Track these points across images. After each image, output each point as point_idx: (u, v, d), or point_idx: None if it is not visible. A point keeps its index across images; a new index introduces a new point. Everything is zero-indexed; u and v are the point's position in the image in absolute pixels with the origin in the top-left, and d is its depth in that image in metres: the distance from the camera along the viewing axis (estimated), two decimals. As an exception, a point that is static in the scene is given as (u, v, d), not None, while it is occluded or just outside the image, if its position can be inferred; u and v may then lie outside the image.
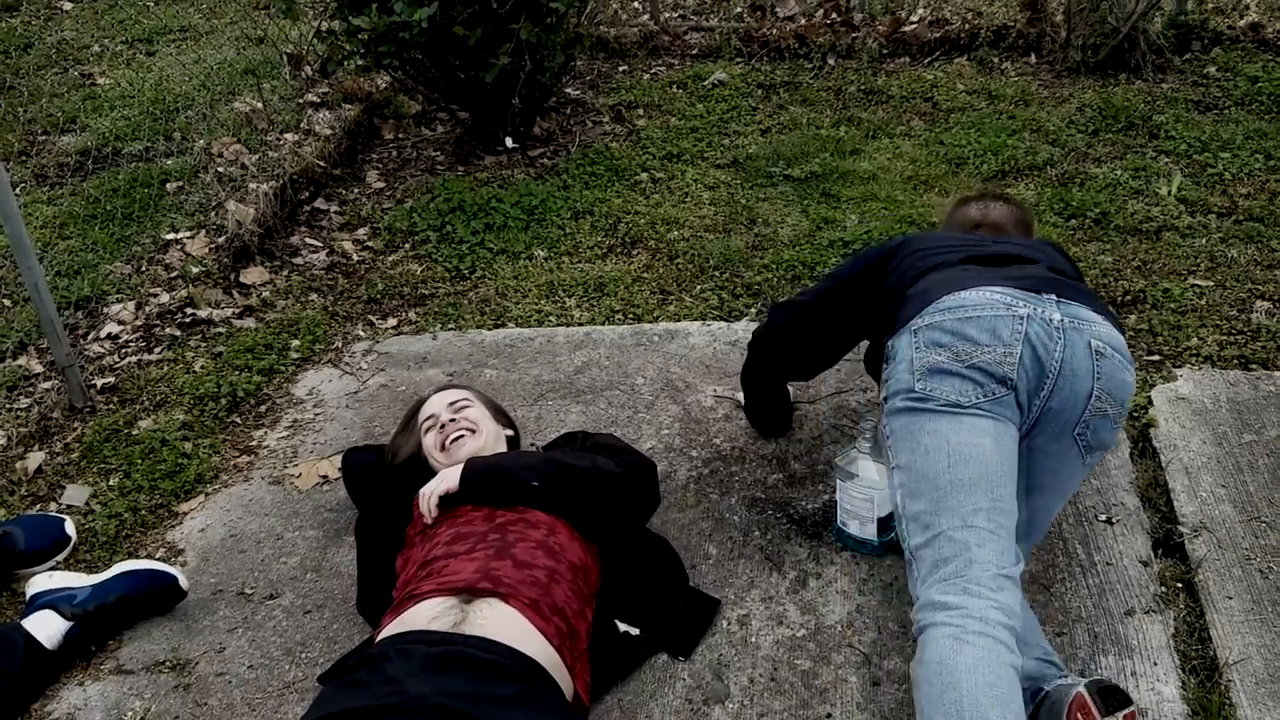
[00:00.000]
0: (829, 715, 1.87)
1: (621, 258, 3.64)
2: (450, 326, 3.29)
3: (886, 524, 2.16)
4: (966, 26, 5.27)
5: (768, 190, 4.03)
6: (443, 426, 2.20)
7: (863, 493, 2.14)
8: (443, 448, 2.17)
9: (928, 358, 1.82)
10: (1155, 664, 1.91)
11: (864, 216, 3.72)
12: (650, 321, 3.21)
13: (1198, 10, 5.14)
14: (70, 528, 2.44)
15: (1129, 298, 3.08)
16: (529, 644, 1.68)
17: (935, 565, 1.68)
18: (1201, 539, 2.17)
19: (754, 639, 2.04)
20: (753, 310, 3.23)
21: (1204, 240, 3.38)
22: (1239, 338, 2.85)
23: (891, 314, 1.98)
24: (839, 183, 4.01)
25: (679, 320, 3.21)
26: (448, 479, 2.05)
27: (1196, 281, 3.15)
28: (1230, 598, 2.04)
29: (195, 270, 3.51)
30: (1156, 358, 2.79)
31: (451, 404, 2.26)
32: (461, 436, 2.17)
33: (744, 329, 3.09)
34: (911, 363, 1.83)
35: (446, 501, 2.06)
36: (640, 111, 4.84)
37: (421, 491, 2.07)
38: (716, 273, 3.46)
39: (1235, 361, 2.75)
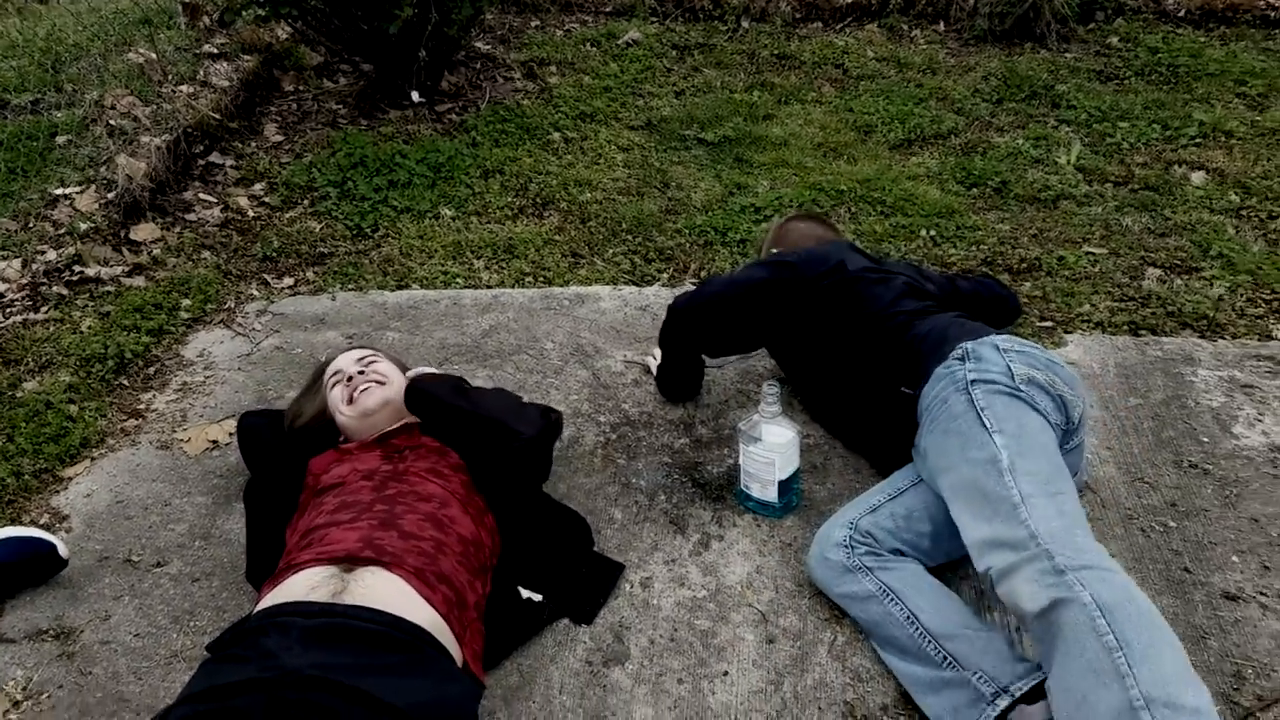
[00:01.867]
0: (726, 673, 1.89)
1: (532, 219, 3.59)
2: (350, 287, 3.21)
3: (787, 486, 2.19)
4: (878, -8, 5.30)
5: (681, 153, 4.01)
6: (350, 379, 2.15)
7: (765, 456, 2.15)
8: (350, 400, 2.13)
9: (1026, 372, 1.96)
10: (1041, 620, 1.96)
11: (775, 182, 3.73)
12: (561, 285, 3.18)
13: (1101, -18, 5.24)
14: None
15: (1024, 265, 3.15)
16: (414, 612, 1.64)
17: (1064, 515, 1.72)
18: (1086, 499, 2.24)
19: (655, 601, 2.05)
20: (664, 275, 3.22)
21: (1099, 209, 3.47)
22: (1130, 304, 2.94)
23: (921, 337, 2.16)
24: (751, 148, 4.01)
25: (590, 284, 3.18)
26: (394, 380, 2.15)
27: (1091, 249, 3.23)
28: (1114, 555, 2.10)
29: (84, 226, 3.36)
30: (1049, 324, 2.86)
31: (360, 359, 2.23)
32: (369, 388, 2.13)
33: (655, 294, 3.08)
34: (1008, 369, 1.96)
35: (338, 444, 2.06)
36: (552, 69, 4.77)
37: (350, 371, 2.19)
38: (629, 236, 3.44)
39: (1125, 327, 2.83)
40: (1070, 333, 2.82)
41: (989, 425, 1.87)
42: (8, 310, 3.06)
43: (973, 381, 1.95)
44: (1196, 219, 3.34)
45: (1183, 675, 1.50)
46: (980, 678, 1.72)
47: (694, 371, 2.57)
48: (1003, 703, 1.68)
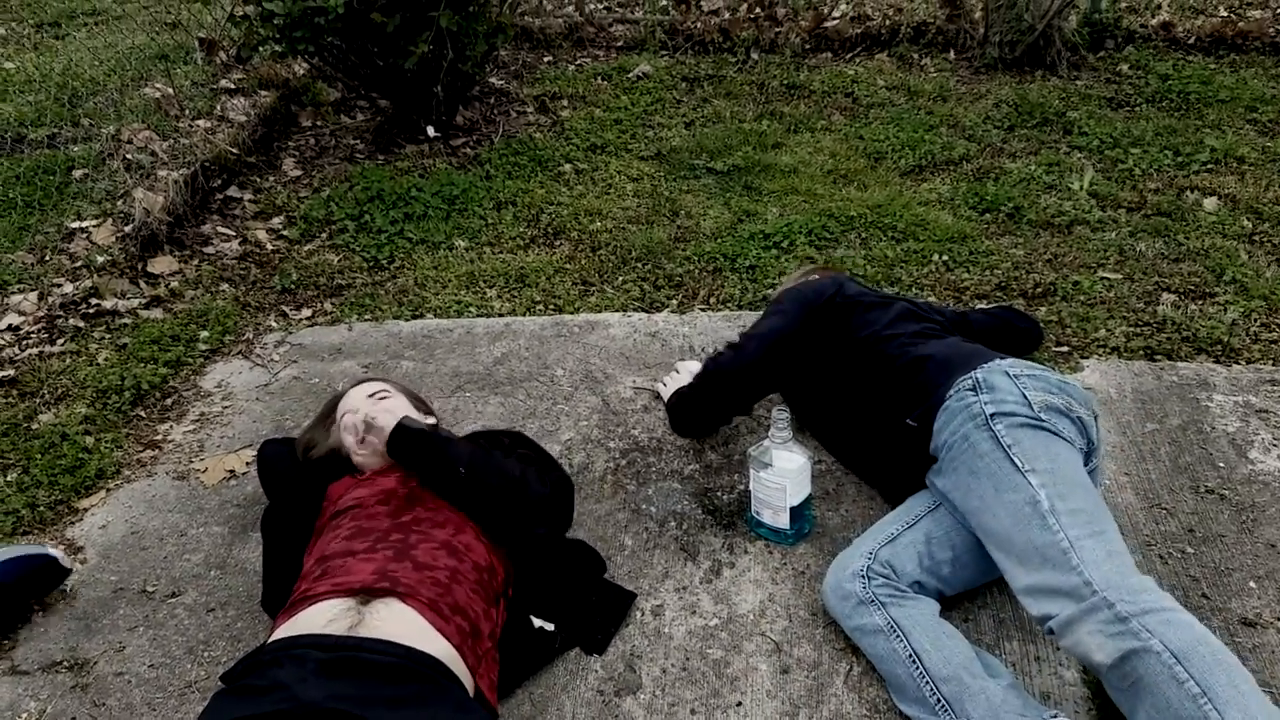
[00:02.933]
0: (739, 704, 1.87)
1: (544, 248, 3.61)
2: (366, 317, 3.23)
3: (799, 513, 2.18)
4: (887, 23, 5.34)
5: (690, 183, 4.03)
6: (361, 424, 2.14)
7: (776, 482, 2.15)
8: (361, 441, 2.11)
9: (1042, 398, 1.94)
10: (1057, 649, 1.94)
11: (784, 209, 3.74)
12: (571, 313, 3.19)
13: (1111, 9, 5.26)
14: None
15: (1039, 290, 3.14)
16: (428, 643, 1.64)
17: (1113, 555, 1.71)
18: (1104, 525, 2.22)
19: (667, 629, 2.03)
20: (674, 301, 3.23)
21: (1114, 234, 3.46)
22: (1145, 329, 2.92)
23: (922, 360, 2.14)
24: (761, 176, 4.02)
25: (600, 311, 3.19)
26: (383, 419, 2.02)
27: (1106, 274, 3.22)
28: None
29: (101, 260, 3.40)
30: (1065, 349, 2.85)
31: (371, 395, 2.22)
32: (377, 424, 2.11)
33: (664, 320, 3.09)
34: (1023, 396, 1.95)
35: (355, 471, 2.06)
36: (564, 102, 4.82)
37: (355, 419, 2.10)
38: (638, 264, 3.45)
39: (1141, 352, 2.82)
40: (1086, 358, 2.80)
41: (1020, 465, 1.84)
42: (24, 343, 3.10)
43: (992, 415, 1.92)
44: (1210, 244, 3.33)
45: (1266, 710, 1.49)
46: None
47: (721, 421, 2.56)
48: None
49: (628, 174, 4.11)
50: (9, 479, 2.56)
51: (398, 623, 1.65)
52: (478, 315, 3.21)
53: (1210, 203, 3.62)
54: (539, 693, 1.91)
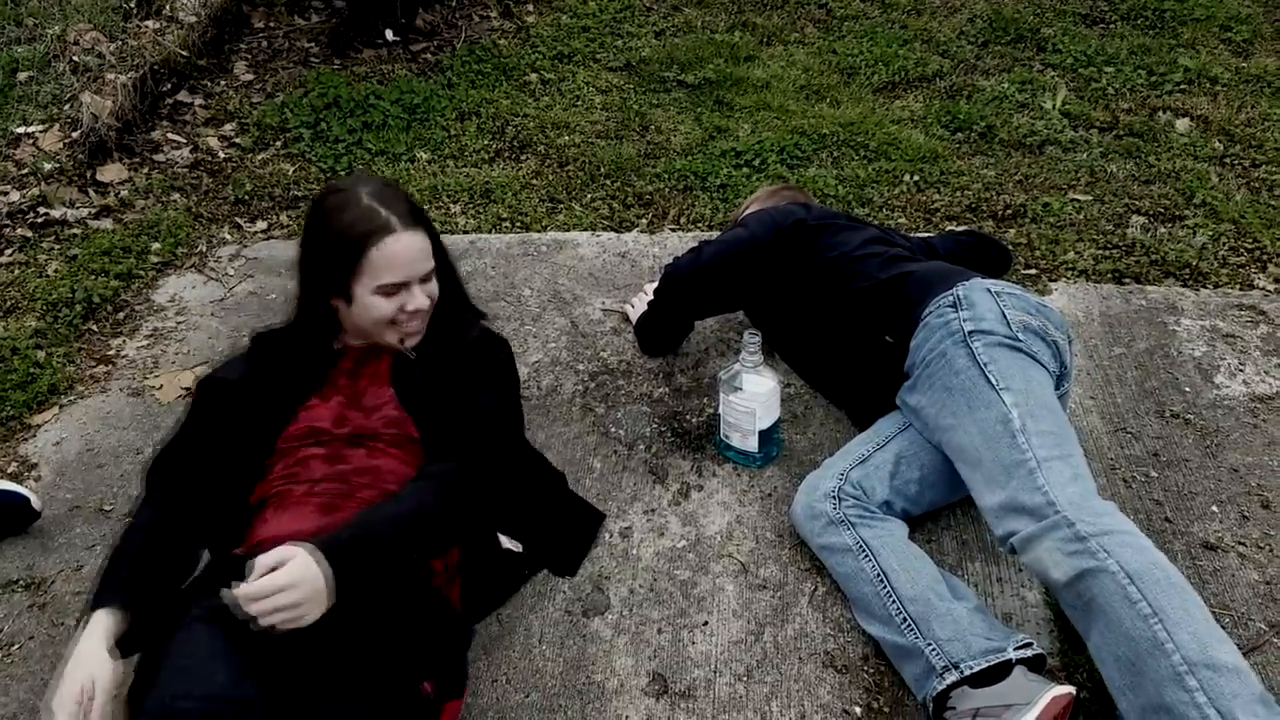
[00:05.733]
0: (705, 623, 1.88)
1: (509, 162, 3.52)
2: (326, 231, 3.14)
3: (768, 436, 2.17)
4: (864, -69, 5.18)
5: (660, 96, 3.93)
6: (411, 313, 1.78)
7: (745, 406, 2.13)
8: (401, 340, 1.81)
9: (1020, 317, 1.94)
10: (1019, 570, 1.97)
11: (756, 126, 3.67)
12: (539, 230, 3.13)
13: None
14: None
15: (1009, 212, 3.12)
16: None
17: (1078, 479, 1.72)
18: (1069, 449, 2.23)
19: (635, 551, 2.03)
20: (644, 221, 3.17)
21: (1085, 155, 3.43)
22: (1114, 252, 2.92)
23: (901, 278, 2.11)
24: (732, 90, 3.93)
25: (568, 230, 3.13)
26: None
27: (1076, 196, 3.20)
28: (1093, 505, 2.10)
29: (48, 167, 3.27)
30: (1033, 271, 2.84)
31: (423, 279, 1.78)
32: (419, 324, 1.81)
33: (634, 240, 3.03)
34: (1002, 315, 1.93)
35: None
36: (530, 7, 4.66)
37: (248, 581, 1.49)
38: (607, 181, 3.38)
39: (1109, 275, 2.82)
40: (1055, 280, 2.80)
41: (995, 382, 1.84)
42: (-30, 253, 2.99)
43: (970, 333, 1.91)
44: (1181, 166, 3.32)
45: (1216, 634, 1.51)
46: (934, 649, 1.71)
47: (682, 331, 2.54)
48: (950, 678, 1.66)
49: (596, 85, 4.00)
50: (-43, 395, 2.49)
51: None
52: (442, 231, 3.12)
53: (1182, 124, 3.59)
54: (506, 613, 1.91)
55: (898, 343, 2.04)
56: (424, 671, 1.56)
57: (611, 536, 2.07)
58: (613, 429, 2.34)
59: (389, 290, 1.73)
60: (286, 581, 1.42)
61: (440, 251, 1.85)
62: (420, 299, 1.77)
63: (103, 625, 1.52)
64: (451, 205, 3.26)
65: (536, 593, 1.95)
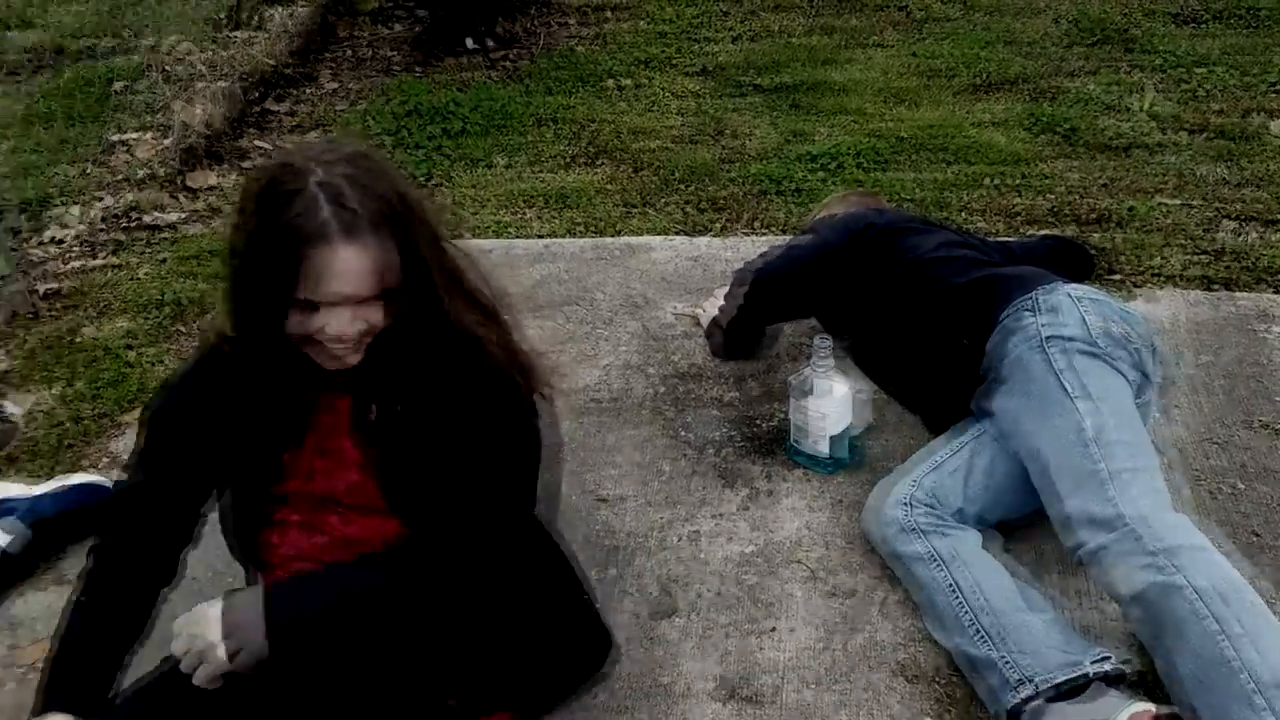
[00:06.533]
0: (774, 628, 1.87)
1: (585, 168, 3.55)
2: (405, 236, 3.21)
3: (838, 442, 2.15)
4: (945, -68, 5.12)
5: (737, 101, 3.93)
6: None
7: (817, 410, 2.12)
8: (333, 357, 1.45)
9: (1101, 323, 1.90)
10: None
11: (834, 130, 3.64)
12: (613, 235, 3.15)
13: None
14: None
15: (1094, 216, 3.05)
16: None
17: (1151, 491, 1.69)
18: (1153, 459, 2.17)
19: (703, 555, 2.03)
20: (717, 225, 3.17)
21: (1174, 158, 3.34)
22: (1203, 257, 2.83)
23: (979, 281, 2.07)
24: (810, 94, 3.91)
25: (642, 234, 3.14)
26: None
27: (1164, 200, 3.11)
28: (1178, 518, 2.04)
29: (141, 173, 3.40)
30: (1118, 277, 2.77)
31: (358, 302, 1.37)
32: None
33: (707, 245, 3.03)
34: (1083, 320, 1.90)
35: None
36: (608, 14, 4.70)
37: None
38: (682, 185, 3.39)
39: (1198, 281, 2.73)
40: (1139, 287, 2.72)
41: (1070, 390, 1.80)
42: (67, 256, 3.11)
43: (1048, 338, 1.87)
44: (1274, 169, 3.20)
45: None
46: (1008, 662, 1.66)
47: (759, 337, 2.53)
48: (1025, 692, 1.61)
49: (673, 90, 4.01)
50: (54, 391, 2.59)
51: None
52: (517, 236, 3.17)
53: (1277, 126, 3.47)
54: (574, 615, 1.92)
55: (974, 347, 2.01)
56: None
57: (680, 539, 2.07)
58: (682, 433, 2.34)
59: (304, 307, 1.35)
60: (176, 631, 1.38)
61: (422, 269, 1.43)
62: (339, 326, 1.36)
63: None
64: (527, 210, 3.30)
65: (604, 594, 1.96)
